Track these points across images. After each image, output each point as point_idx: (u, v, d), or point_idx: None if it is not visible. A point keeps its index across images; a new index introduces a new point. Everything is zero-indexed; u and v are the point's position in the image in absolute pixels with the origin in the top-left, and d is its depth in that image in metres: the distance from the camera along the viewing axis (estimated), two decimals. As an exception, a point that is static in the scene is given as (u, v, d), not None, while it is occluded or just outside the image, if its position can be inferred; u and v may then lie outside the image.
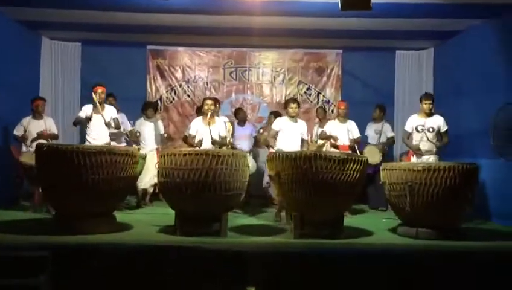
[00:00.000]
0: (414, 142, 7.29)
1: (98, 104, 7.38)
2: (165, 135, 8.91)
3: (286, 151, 6.58)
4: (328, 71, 11.00)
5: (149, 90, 10.83)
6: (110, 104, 8.26)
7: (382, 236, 6.22)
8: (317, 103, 10.91)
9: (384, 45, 10.38)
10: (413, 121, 7.37)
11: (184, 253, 5.10)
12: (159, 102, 10.77)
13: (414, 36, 9.70)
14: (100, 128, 7.52)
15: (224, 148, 7.46)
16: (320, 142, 8.67)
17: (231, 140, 8.27)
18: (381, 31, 9.20)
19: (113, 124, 7.53)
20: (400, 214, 6.30)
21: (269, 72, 11.07)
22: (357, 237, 6.03)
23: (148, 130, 8.78)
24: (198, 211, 5.80)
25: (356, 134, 8.39)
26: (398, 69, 10.80)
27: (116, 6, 8.14)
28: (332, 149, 8.09)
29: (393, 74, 10.77)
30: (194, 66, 11.00)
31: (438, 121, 7.28)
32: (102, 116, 7.42)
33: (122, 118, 8.57)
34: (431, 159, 7.15)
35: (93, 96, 7.37)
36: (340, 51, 10.93)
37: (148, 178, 8.23)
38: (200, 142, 7.41)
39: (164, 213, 7.19)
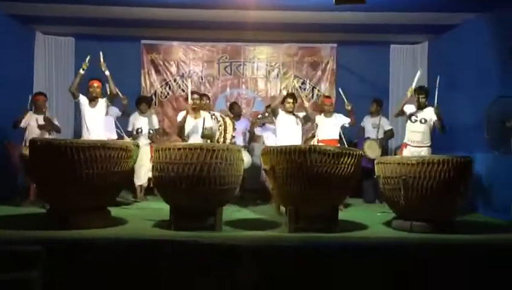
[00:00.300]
0: (407, 132, 7.39)
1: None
2: (152, 130, 8.84)
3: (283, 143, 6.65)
4: (323, 65, 11.01)
5: (143, 85, 10.81)
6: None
7: (377, 230, 6.23)
8: (312, 97, 10.91)
9: (379, 39, 10.39)
10: (412, 109, 7.44)
11: (179, 247, 5.09)
12: (153, 97, 10.77)
13: (408, 30, 9.71)
14: (95, 122, 7.52)
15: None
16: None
17: (233, 136, 8.29)
18: (375, 25, 9.20)
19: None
20: (394, 208, 6.31)
21: (264, 66, 11.07)
22: (351, 230, 6.04)
23: (143, 125, 8.77)
24: (193, 205, 5.80)
25: (346, 122, 8.43)
26: (393, 63, 10.83)
27: (110, 1, 8.14)
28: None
29: (388, 68, 10.80)
30: (189, 61, 10.98)
31: (430, 113, 7.34)
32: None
33: (114, 111, 8.57)
34: (423, 151, 7.20)
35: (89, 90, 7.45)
36: (335, 45, 10.93)
37: (143, 173, 8.24)
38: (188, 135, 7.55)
39: (159, 208, 7.19)
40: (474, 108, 8.06)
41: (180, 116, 7.77)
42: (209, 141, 7.45)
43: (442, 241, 5.53)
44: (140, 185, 8.61)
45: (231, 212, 7.17)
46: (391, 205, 6.32)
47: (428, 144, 7.46)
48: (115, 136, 8.22)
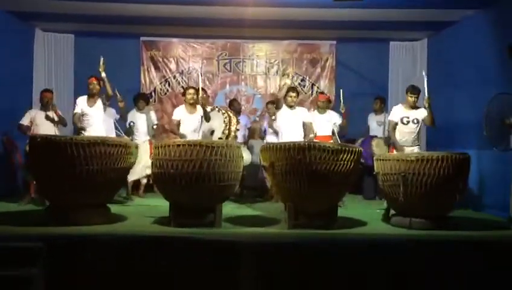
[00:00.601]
0: (398, 133, 7.33)
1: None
2: (153, 126, 8.86)
3: (288, 140, 6.67)
4: (322, 62, 11.01)
5: (143, 81, 10.81)
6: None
7: (376, 226, 6.24)
8: (312, 94, 10.92)
9: (378, 36, 10.39)
10: (399, 112, 7.37)
11: (178, 244, 5.11)
12: (153, 94, 10.78)
13: (408, 27, 9.71)
14: (94, 120, 7.53)
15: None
16: None
17: (238, 129, 8.33)
18: (375, 22, 9.20)
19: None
20: (393, 205, 6.32)
21: (263, 63, 11.07)
22: (350, 227, 6.06)
23: (140, 122, 8.77)
24: (193, 202, 5.81)
25: (338, 121, 8.44)
26: (392, 60, 10.82)
27: (109, -3, 8.14)
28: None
29: (387, 65, 10.80)
30: (188, 58, 10.98)
31: (422, 113, 7.30)
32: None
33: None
34: (415, 150, 7.19)
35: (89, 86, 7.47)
36: (334, 42, 10.93)
37: (138, 169, 8.19)
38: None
39: (158, 204, 7.20)
40: (472, 105, 8.05)
41: (176, 112, 7.82)
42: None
43: (441, 238, 5.55)
44: (136, 181, 8.57)
45: (231, 209, 7.18)
46: (390, 201, 6.33)
47: (418, 144, 7.46)
48: (113, 135, 8.22)
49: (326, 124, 8.35)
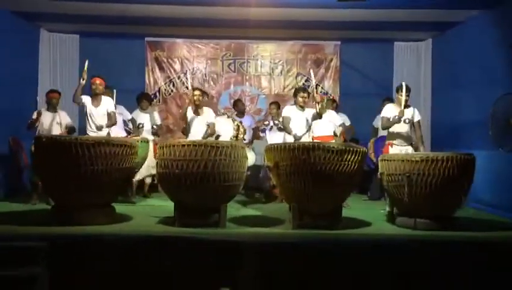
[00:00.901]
0: (390, 132, 7.29)
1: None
2: (156, 126, 8.86)
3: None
4: (327, 63, 11.01)
5: (147, 82, 10.84)
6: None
7: (380, 227, 6.23)
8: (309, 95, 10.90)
9: (383, 36, 10.38)
10: (391, 111, 7.32)
11: (183, 244, 5.11)
12: (157, 94, 10.80)
13: (412, 27, 9.70)
14: (99, 120, 7.54)
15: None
16: None
17: (244, 139, 8.36)
18: (379, 22, 9.20)
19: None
20: (398, 205, 6.31)
21: (267, 63, 11.08)
22: (355, 227, 6.06)
23: (144, 121, 8.76)
24: (197, 202, 5.81)
25: (338, 122, 8.43)
26: (397, 60, 10.81)
27: (114, -2, 8.16)
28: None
29: (392, 66, 10.78)
30: (193, 58, 11.00)
31: (412, 113, 7.27)
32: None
33: (121, 109, 8.61)
34: (409, 150, 7.17)
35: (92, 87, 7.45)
36: (339, 42, 10.93)
37: (143, 169, 8.20)
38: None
39: (163, 204, 7.21)
40: (478, 105, 8.05)
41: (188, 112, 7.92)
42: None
43: (446, 238, 5.53)
44: (141, 181, 8.58)
45: (235, 209, 7.18)
46: (395, 202, 6.31)
47: (411, 143, 7.41)
48: (123, 134, 8.23)
49: (328, 124, 8.33)
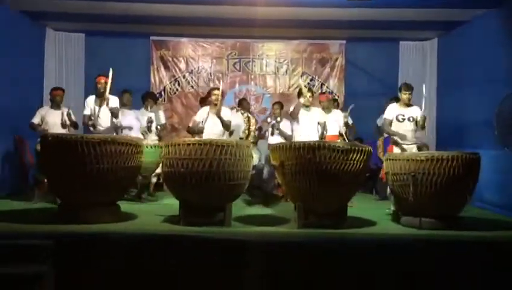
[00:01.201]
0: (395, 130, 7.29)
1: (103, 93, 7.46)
2: (160, 126, 8.85)
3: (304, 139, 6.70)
4: (332, 62, 11.01)
5: (153, 81, 10.85)
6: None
7: (385, 226, 6.22)
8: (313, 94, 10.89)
9: (388, 35, 10.37)
10: (394, 110, 7.33)
11: (188, 243, 5.12)
12: (162, 93, 10.82)
13: (418, 27, 9.68)
14: (103, 119, 7.56)
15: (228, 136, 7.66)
16: None
17: (256, 129, 8.32)
18: (385, 21, 9.19)
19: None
20: (403, 204, 6.29)
21: (273, 63, 11.08)
22: (360, 227, 6.05)
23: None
24: (202, 201, 5.82)
25: (342, 121, 8.42)
26: (402, 59, 10.80)
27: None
28: None
29: (397, 65, 10.77)
30: (198, 57, 11.01)
31: (416, 111, 7.26)
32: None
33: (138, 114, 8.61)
34: (414, 149, 7.16)
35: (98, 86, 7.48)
36: (344, 41, 10.93)
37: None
38: (202, 128, 7.59)
39: (168, 203, 7.22)
40: (483, 105, 8.03)
41: (200, 113, 7.86)
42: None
43: (451, 238, 5.52)
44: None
45: (240, 208, 7.18)
46: (400, 201, 6.30)
47: (416, 142, 7.40)
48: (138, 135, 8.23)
49: (333, 123, 8.32)
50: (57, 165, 5.79)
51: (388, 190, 6.96)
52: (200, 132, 7.63)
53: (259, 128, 9.47)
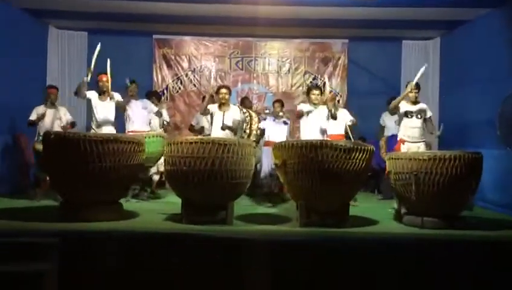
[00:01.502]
0: (404, 128, 7.29)
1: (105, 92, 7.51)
2: (166, 122, 8.87)
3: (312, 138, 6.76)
4: (334, 61, 11.01)
5: (155, 79, 10.87)
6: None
7: (387, 225, 6.22)
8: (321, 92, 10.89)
9: (391, 34, 10.37)
10: (403, 106, 7.35)
11: (190, 241, 5.13)
12: (165, 91, 10.83)
13: (420, 26, 9.68)
14: (105, 115, 7.59)
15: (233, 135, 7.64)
16: None
17: (259, 128, 8.32)
18: (387, 20, 9.18)
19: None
20: (405, 204, 6.29)
21: (275, 62, 11.09)
22: (362, 226, 6.05)
23: (153, 119, 8.77)
24: (205, 199, 5.82)
25: (349, 119, 8.42)
26: (405, 59, 10.80)
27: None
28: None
29: (400, 64, 10.77)
30: (200, 56, 11.03)
31: (423, 108, 7.29)
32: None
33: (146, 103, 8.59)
34: (421, 147, 7.16)
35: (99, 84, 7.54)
36: (346, 40, 10.93)
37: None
38: (202, 128, 7.52)
39: (170, 201, 7.23)
40: (486, 104, 8.03)
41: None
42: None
43: (453, 237, 5.52)
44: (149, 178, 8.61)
45: (242, 206, 7.18)
46: (402, 200, 6.30)
47: (424, 139, 7.41)
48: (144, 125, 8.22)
49: (340, 122, 8.32)
50: (59, 163, 5.80)
51: None
52: (200, 132, 7.65)
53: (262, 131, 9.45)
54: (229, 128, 7.54)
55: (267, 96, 11.00)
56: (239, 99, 10.37)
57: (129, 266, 4.97)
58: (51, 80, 9.79)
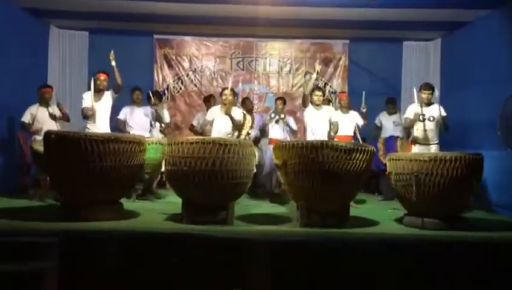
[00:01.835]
0: (416, 131, 7.30)
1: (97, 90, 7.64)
2: (164, 124, 8.87)
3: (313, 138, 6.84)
4: (335, 62, 11.02)
5: (156, 79, 10.87)
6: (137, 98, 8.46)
7: (388, 226, 6.21)
8: (323, 94, 10.90)
9: (392, 35, 10.37)
10: (415, 110, 7.35)
11: (190, 241, 5.12)
12: (166, 91, 10.83)
13: (422, 27, 9.68)
14: (100, 114, 7.59)
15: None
16: None
17: (249, 133, 8.31)
18: (388, 21, 9.19)
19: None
20: (405, 204, 6.29)
21: (276, 62, 11.10)
22: (362, 226, 6.04)
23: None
24: (205, 200, 5.82)
25: (360, 122, 8.42)
26: (405, 60, 10.81)
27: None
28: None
29: (401, 65, 10.78)
30: (201, 56, 11.03)
31: (437, 110, 7.29)
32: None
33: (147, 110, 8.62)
34: (433, 149, 7.17)
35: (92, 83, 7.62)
36: (347, 41, 10.94)
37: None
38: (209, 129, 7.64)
39: (171, 201, 7.23)
40: (486, 105, 8.03)
41: (210, 112, 7.90)
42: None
43: (454, 238, 5.51)
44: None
45: (243, 206, 7.18)
46: (403, 201, 6.30)
47: (437, 142, 7.43)
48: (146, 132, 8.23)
49: (349, 124, 8.33)
50: (60, 163, 5.80)
51: None
52: (200, 132, 7.66)
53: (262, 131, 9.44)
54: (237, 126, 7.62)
55: (268, 97, 11.00)
56: (240, 99, 10.37)
57: (129, 265, 4.96)
58: (52, 80, 9.80)
